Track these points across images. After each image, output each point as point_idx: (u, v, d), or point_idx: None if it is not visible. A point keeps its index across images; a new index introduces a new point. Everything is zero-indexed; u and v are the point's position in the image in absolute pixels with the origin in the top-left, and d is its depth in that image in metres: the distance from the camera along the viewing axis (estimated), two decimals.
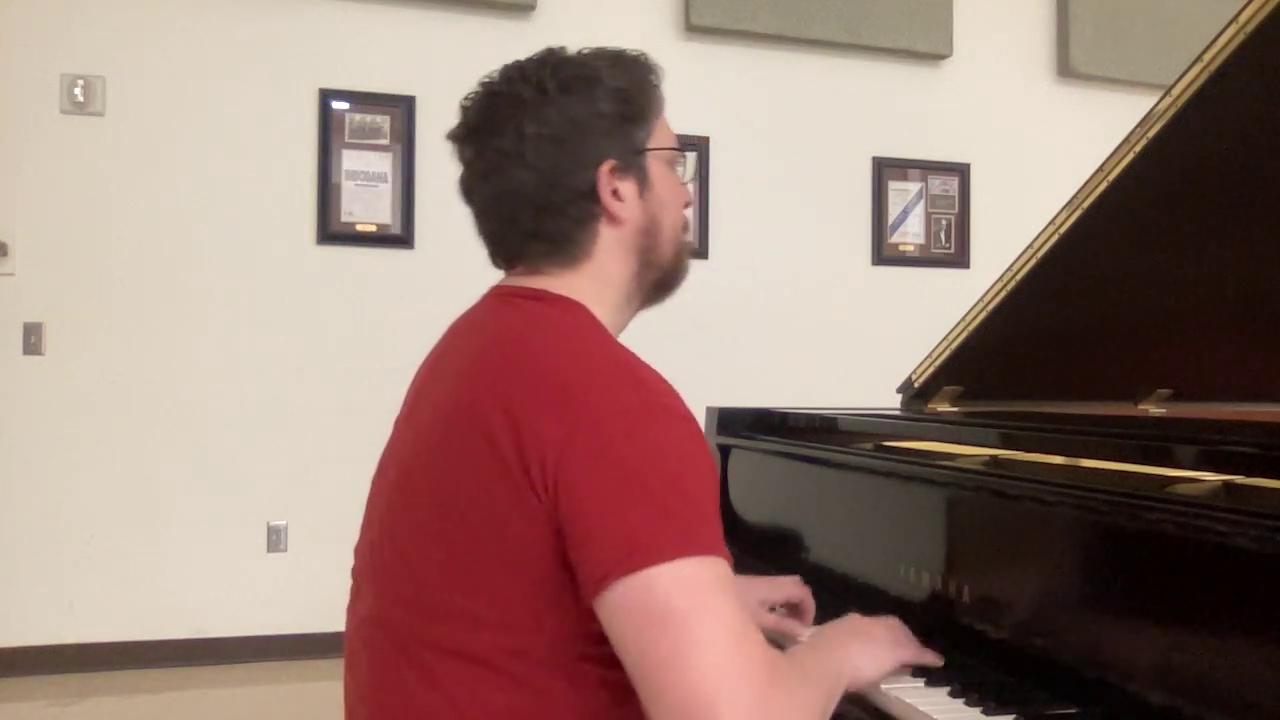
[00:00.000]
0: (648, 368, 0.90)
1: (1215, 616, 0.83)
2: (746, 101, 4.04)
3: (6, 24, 3.36)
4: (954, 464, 1.23)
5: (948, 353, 1.69)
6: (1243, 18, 1.09)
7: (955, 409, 1.77)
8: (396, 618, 0.91)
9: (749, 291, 4.02)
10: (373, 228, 3.65)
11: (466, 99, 1.02)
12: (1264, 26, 1.07)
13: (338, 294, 3.61)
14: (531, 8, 3.76)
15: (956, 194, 4.28)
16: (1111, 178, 1.31)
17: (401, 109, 3.65)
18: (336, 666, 1.01)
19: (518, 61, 1.01)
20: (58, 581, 3.35)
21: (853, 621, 1.07)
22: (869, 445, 1.53)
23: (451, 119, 1.04)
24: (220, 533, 3.48)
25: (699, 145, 3.91)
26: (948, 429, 1.48)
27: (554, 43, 1.05)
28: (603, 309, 1.00)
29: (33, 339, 3.35)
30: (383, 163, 3.65)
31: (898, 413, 1.78)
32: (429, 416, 0.96)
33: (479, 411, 0.87)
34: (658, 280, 1.06)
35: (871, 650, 1.01)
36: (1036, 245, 1.47)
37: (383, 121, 3.65)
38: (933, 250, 4.26)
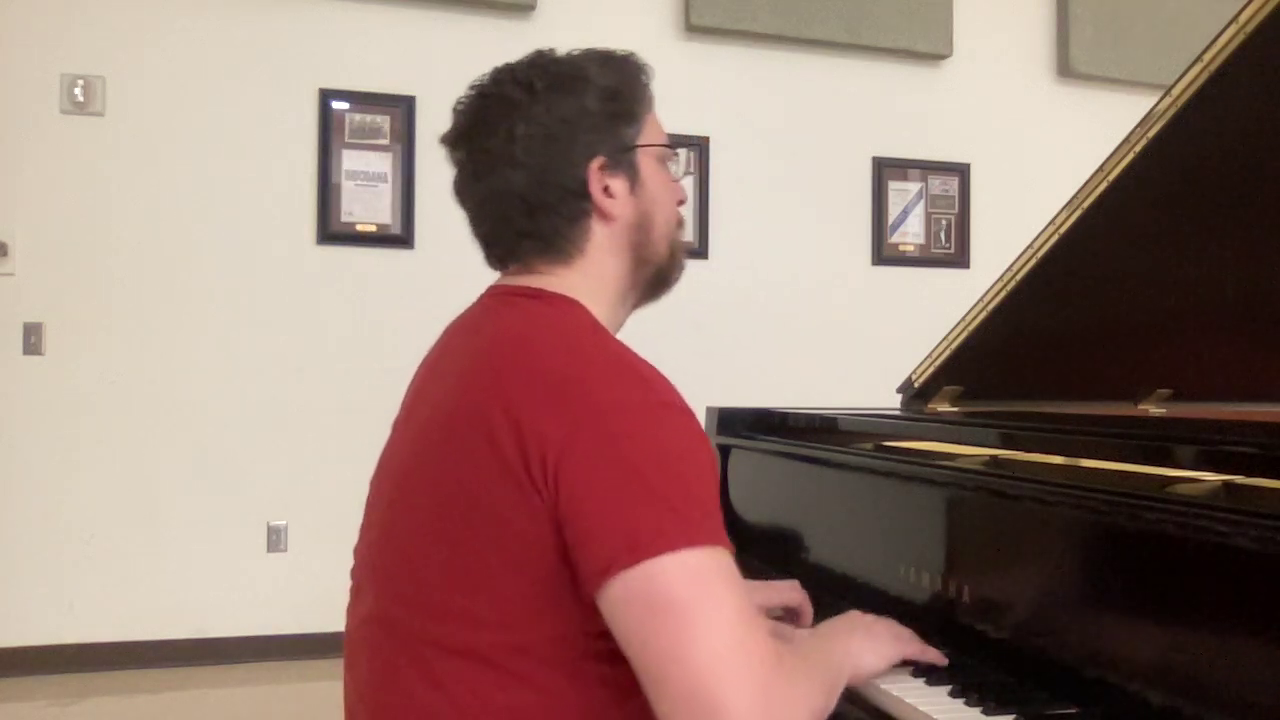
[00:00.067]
0: (645, 363, 0.91)
1: (1215, 616, 0.83)
2: (746, 101, 4.04)
3: (6, 24, 3.36)
4: (954, 464, 1.23)
5: (948, 353, 1.69)
6: (1243, 18, 1.09)
7: (955, 409, 1.77)
8: (397, 617, 0.91)
9: (749, 291, 4.02)
10: (373, 228, 3.65)
11: (458, 103, 1.03)
12: (1264, 26, 1.07)
13: (338, 294, 3.62)
14: (531, 8, 3.76)
15: (956, 194, 4.28)
16: (1111, 178, 1.31)
17: (401, 109, 3.65)
18: (336, 666, 1.01)
19: (507, 64, 1.02)
20: (58, 581, 3.35)
21: (854, 617, 1.07)
22: (869, 445, 1.53)
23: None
24: (220, 533, 3.48)
25: (699, 145, 3.91)
26: (948, 429, 1.47)
27: (554, 43, 1.06)
28: (599, 306, 1.00)
29: (33, 339, 3.35)
30: (383, 163, 3.65)
31: (898, 413, 1.78)
32: (428, 417, 0.96)
33: (479, 410, 0.87)
34: (653, 277, 1.07)
35: (873, 643, 1.02)
36: (1036, 245, 1.47)
37: (383, 121, 3.65)
38: (933, 250, 4.26)
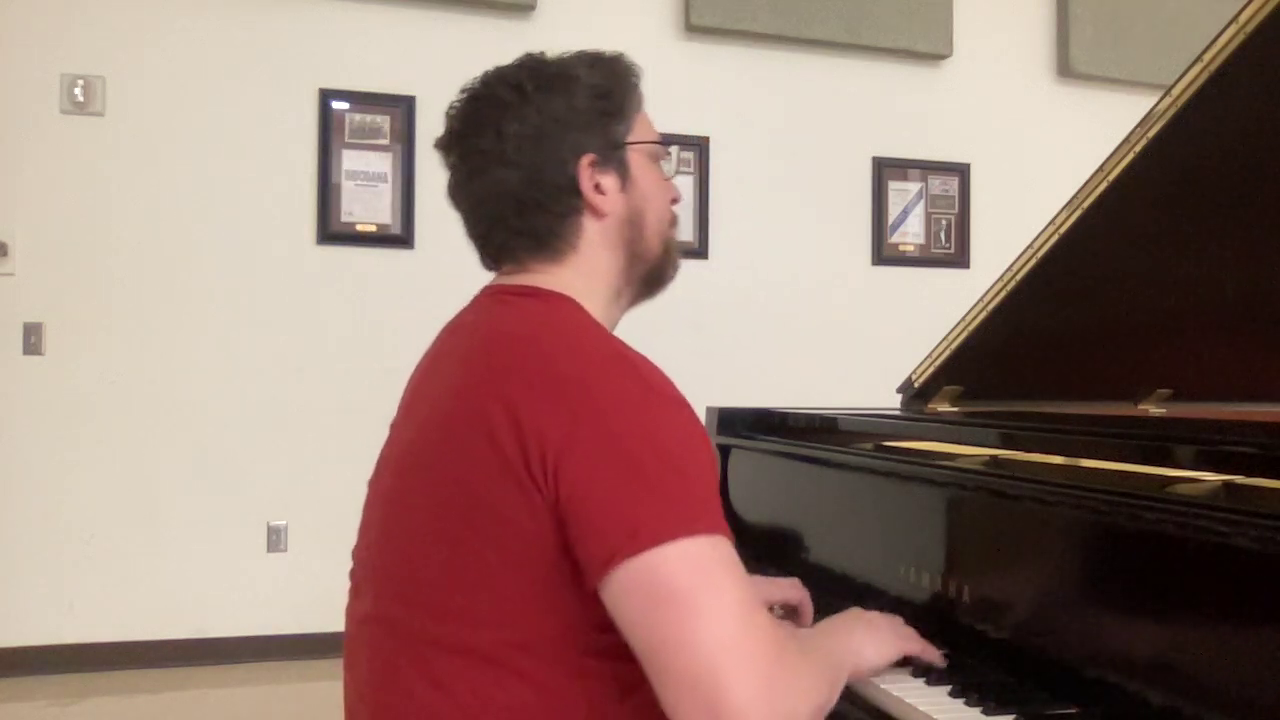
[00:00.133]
0: (641, 357, 0.92)
1: (1215, 616, 0.83)
2: (746, 101, 4.04)
3: (6, 24, 3.36)
4: (954, 464, 1.23)
5: (948, 353, 1.69)
6: (1243, 18, 1.09)
7: (955, 409, 1.77)
8: (397, 616, 0.91)
9: (749, 291, 4.02)
10: (373, 228, 3.65)
11: (450, 107, 1.05)
12: (1264, 26, 1.07)
13: (338, 294, 3.61)
14: (531, 8, 3.76)
15: (956, 194, 4.28)
16: (1111, 178, 1.31)
17: (401, 109, 3.65)
18: (336, 666, 1.01)
19: (498, 67, 1.04)
20: (58, 581, 3.35)
21: (856, 613, 1.08)
22: (869, 445, 1.53)
23: None
24: (220, 533, 3.48)
25: (699, 145, 3.91)
26: (948, 429, 1.47)
27: (554, 43, 1.06)
28: (593, 303, 1.01)
29: (33, 339, 3.35)
30: (383, 163, 3.65)
31: (898, 413, 1.78)
32: (426, 416, 0.96)
33: (478, 408, 0.87)
34: (647, 274, 1.08)
35: (875, 639, 1.02)
36: (1036, 245, 1.47)
37: (383, 121, 3.65)
38: (933, 250, 4.26)
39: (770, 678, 0.78)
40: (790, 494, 1.59)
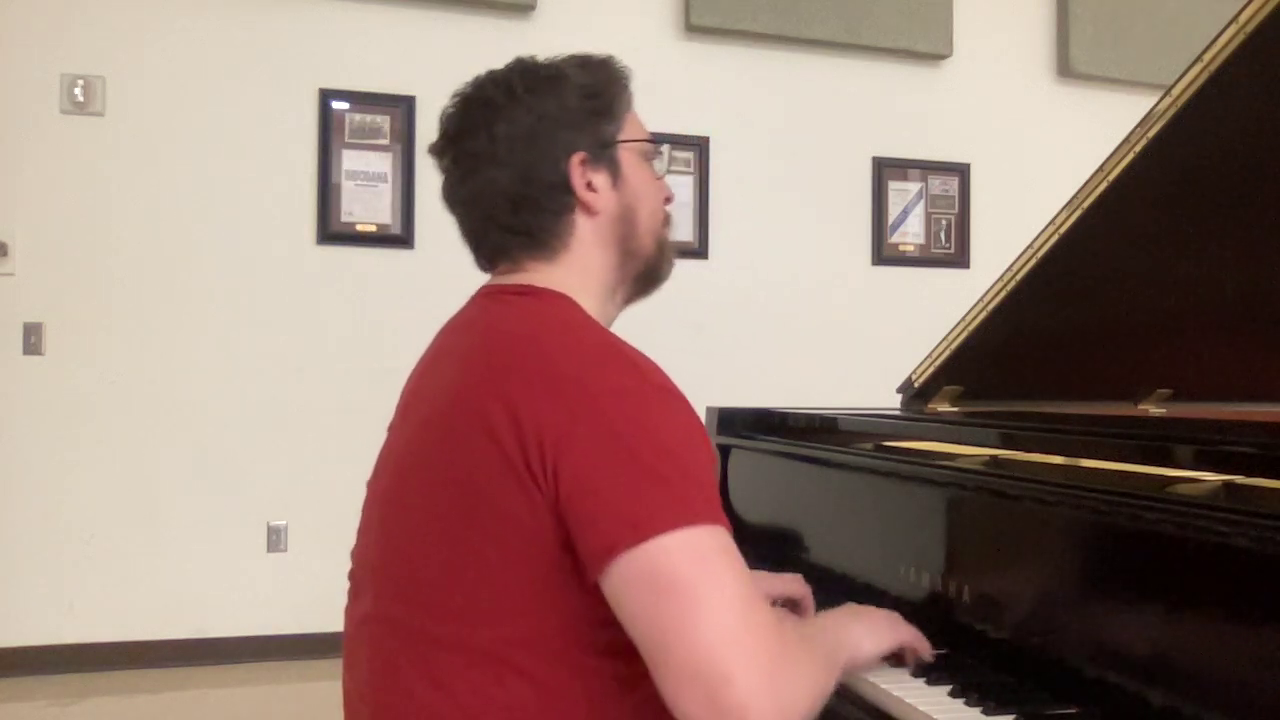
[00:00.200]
0: (637, 351, 0.92)
1: (1215, 616, 0.83)
2: (746, 101, 4.04)
3: (6, 24, 3.36)
4: (954, 464, 1.23)
5: (948, 353, 1.69)
6: (1243, 18, 1.09)
7: (955, 409, 1.77)
8: (397, 616, 0.92)
9: (749, 291, 4.02)
10: (373, 228, 3.65)
11: (443, 112, 1.06)
12: (1264, 26, 1.07)
13: (338, 294, 3.61)
14: (531, 8, 3.75)
15: (956, 194, 4.28)
16: (1111, 178, 1.31)
17: (401, 109, 3.65)
18: (336, 666, 1.01)
19: (489, 70, 1.05)
20: (58, 581, 3.35)
21: (852, 606, 1.09)
22: (869, 445, 1.53)
23: None
24: (220, 533, 3.48)
25: (699, 145, 3.91)
26: (948, 429, 1.47)
27: (554, 43, 1.07)
28: (587, 300, 1.02)
29: (33, 339, 3.35)
30: (383, 163, 3.65)
31: (898, 413, 1.78)
32: (425, 415, 0.96)
33: (477, 406, 0.88)
34: (640, 272, 1.08)
35: (871, 630, 1.04)
36: (1036, 245, 1.47)
37: (383, 121, 3.65)
38: (933, 250, 4.26)
39: (772, 668, 0.78)
40: (790, 494, 1.59)
